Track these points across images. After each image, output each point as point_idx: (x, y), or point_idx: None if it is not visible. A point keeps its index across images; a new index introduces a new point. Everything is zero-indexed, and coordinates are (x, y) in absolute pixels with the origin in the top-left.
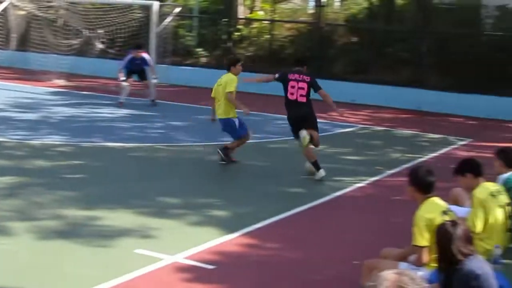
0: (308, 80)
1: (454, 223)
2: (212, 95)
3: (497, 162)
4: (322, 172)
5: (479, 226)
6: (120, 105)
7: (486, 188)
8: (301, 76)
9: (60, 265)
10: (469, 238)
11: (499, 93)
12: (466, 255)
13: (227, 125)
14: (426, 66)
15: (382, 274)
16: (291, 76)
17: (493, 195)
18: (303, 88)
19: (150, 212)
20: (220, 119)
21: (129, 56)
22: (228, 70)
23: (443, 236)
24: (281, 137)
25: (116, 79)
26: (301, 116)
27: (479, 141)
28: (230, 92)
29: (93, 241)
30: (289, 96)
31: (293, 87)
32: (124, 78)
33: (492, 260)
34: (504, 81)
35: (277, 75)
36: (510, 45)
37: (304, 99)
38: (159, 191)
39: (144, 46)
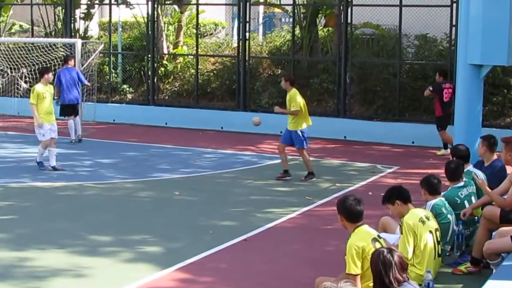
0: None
1: (390, 250)
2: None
3: (422, 190)
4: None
5: (410, 252)
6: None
7: (415, 214)
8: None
9: None
10: (404, 265)
11: (422, 120)
12: (401, 282)
13: None
14: (349, 96)
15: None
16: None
17: (422, 221)
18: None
19: (82, 251)
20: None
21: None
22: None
23: (381, 263)
24: (210, 171)
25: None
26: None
27: (406, 168)
28: None
29: (26, 283)
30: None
31: (446, 93)
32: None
33: (424, 285)
34: (427, 108)
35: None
36: (431, 73)
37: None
38: (90, 229)
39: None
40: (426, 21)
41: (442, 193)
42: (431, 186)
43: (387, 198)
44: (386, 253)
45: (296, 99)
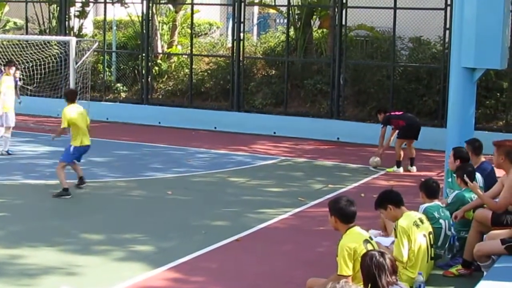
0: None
1: (381, 253)
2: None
3: (420, 193)
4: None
5: (405, 255)
6: None
7: (409, 217)
8: None
9: None
10: (395, 268)
11: None
12: (391, 285)
13: None
14: (343, 98)
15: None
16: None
17: (416, 224)
18: None
19: (74, 249)
20: None
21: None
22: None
23: (374, 266)
24: (203, 170)
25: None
26: None
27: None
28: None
29: (17, 280)
30: None
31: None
32: None
33: (415, 286)
34: (420, 111)
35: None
36: (424, 76)
37: None
38: (82, 227)
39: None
40: (420, 23)
41: (456, 192)
42: (429, 190)
43: (378, 203)
44: (378, 257)
45: (65, 115)
